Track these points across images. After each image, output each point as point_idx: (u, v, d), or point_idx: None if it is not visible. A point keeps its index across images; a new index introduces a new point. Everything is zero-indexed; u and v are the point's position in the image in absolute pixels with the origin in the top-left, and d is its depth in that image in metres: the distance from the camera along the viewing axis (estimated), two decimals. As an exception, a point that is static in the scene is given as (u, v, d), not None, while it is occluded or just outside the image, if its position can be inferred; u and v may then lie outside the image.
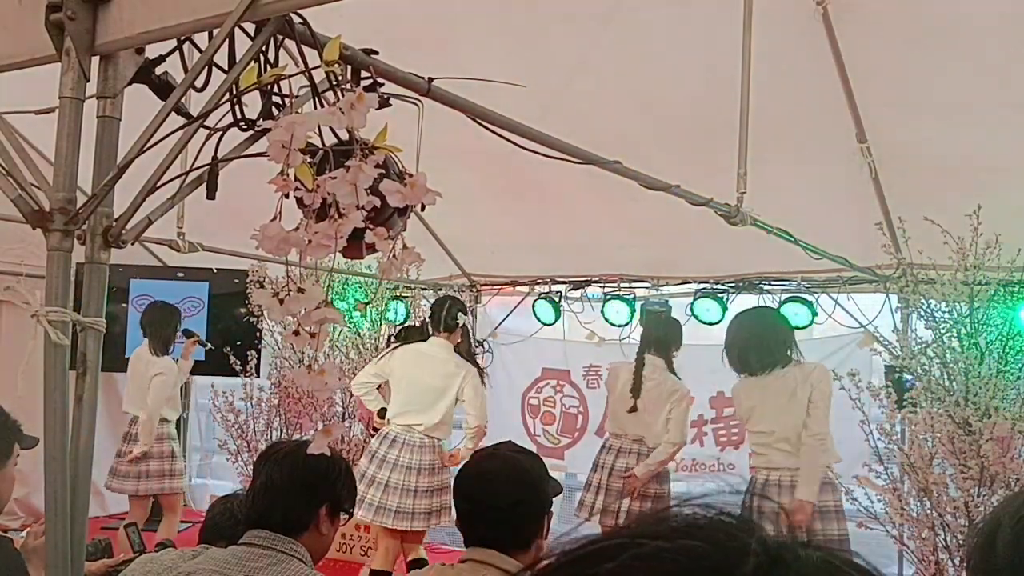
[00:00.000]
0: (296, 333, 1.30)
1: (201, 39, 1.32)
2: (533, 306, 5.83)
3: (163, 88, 1.36)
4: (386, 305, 5.77)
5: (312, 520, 1.83)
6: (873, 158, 3.81)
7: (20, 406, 2.28)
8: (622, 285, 5.53)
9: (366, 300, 5.48)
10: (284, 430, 5.40)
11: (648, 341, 4.63)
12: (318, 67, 1.32)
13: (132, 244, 1.33)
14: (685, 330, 4.82)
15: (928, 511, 3.88)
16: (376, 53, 1.45)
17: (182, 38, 1.35)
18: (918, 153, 3.83)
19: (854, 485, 4.17)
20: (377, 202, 1.29)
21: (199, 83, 1.32)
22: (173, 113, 1.30)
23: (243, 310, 5.43)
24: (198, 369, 5.51)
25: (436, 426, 4.34)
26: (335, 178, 1.24)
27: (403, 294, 5.97)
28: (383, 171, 1.31)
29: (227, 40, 1.26)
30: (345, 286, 5.50)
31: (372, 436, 4.61)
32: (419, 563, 4.18)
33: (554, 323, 5.81)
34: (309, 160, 1.27)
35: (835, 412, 3.91)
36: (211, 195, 1.40)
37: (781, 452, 3.87)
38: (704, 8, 3.23)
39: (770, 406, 3.90)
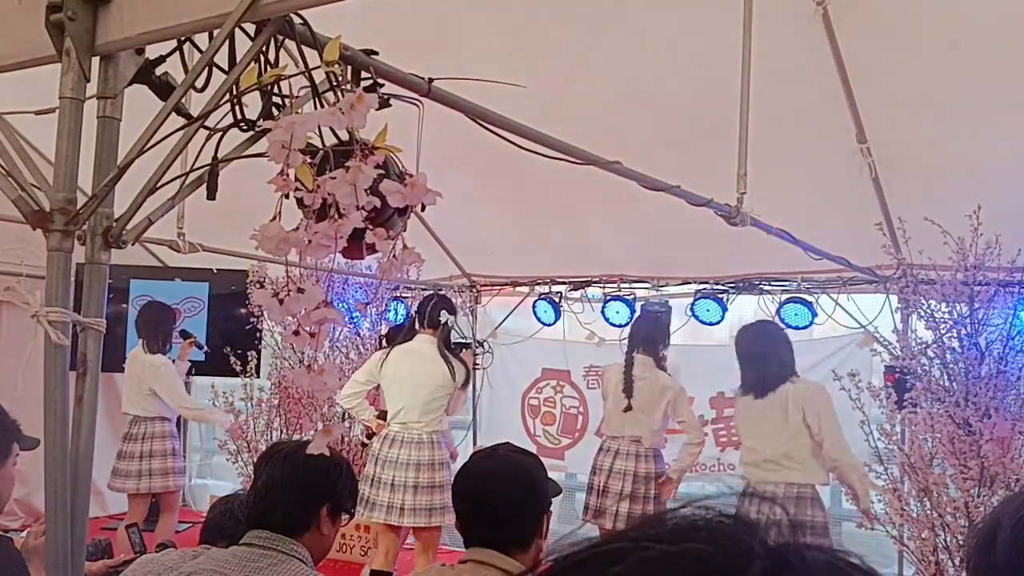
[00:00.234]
0: (296, 333, 1.30)
1: (201, 39, 1.32)
2: (533, 306, 5.83)
3: (163, 88, 1.36)
4: (386, 305, 5.77)
5: (313, 521, 1.83)
6: (873, 158, 3.81)
7: (20, 406, 2.28)
8: (622, 285, 5.53)
9: (366, 300, 5.48)
10: (284, 430, 5.40)
11: (635, 340, 4.66)
12: (318, 67, 1.32)
13: (132, 244, 1.33)
14: (685, 330, 4.83)
15: (928, 511, 3.88)
16: (376, 53, 1.45)
17: (182, 38, 1.35)
18: (918, 153, 3.83)
19: (854, 485, 4.17)
20: (377, 202, 1.29)
21: (199, 83, 1.32)
22: (173, 113, 1.30)
23: (243, 310, 5.43)
24: (198, 369, 5.52)
25: (433, 420, 4.34)
26: (335, 178, 1.24)
27: (403, 294, 5.97)
28: (383, 171, 1.31)
29: (227, 40, 1.26)
30: (345, 286, 5.50)
31: (370, 439, 4.61)
32: None
33: (554, 323, 5.82)
34: (309, 160, 1.27)
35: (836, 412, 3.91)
36: (211, 195, 1.40)
37: (765, 471, 3.88)
38: (704, 8, 3.23)
39: (763, 426, 3.92)
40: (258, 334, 5.54)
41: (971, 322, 3.81)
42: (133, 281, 5.75)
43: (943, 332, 3.89)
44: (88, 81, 1.29)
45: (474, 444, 6.26)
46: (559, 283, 5.79)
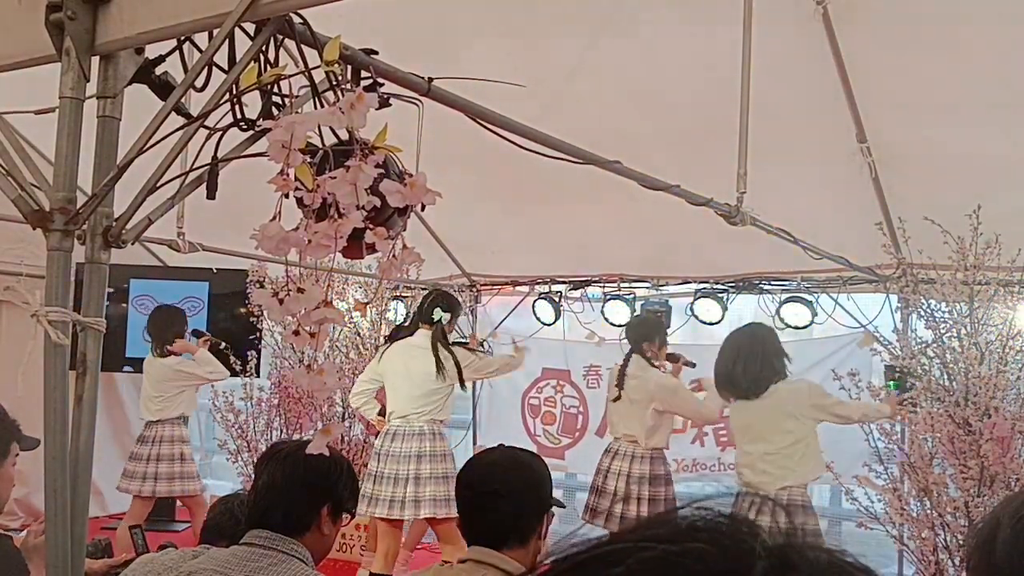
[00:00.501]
0: (296, 333, 1.30)
1: (201, 39, 1.32)
2: (533, 306, 5.83)
3: (163, 88, 1.36)
4: (386, 305, 5.77)
5: (313, 520, 1.83)
6: (873, 158, 3.82)
7: (20, 406, 2.28)
8: (622, 285, 5.53)
9: (366, 300, 5.48)
10: (284, 430, 5.40)
11: (629, 340, 4.68)
12: (318, 67, 1.32)
13: (132, 244, 1.33)
14: (685, 330, 4.83)
15: (928, 511, 3.88)
16: (376, 53, 1.45)
17: (182, 38, 1.35)
18: (918, 153, 3.83)
19: (854, 485, 4.17)
20: (377, 202, 1.29)
21: (199, 83, 1.32)
22: (173, 113, 1.30)
23: (243, 310, 5.43)
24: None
25: (434, 410, 4.32)
26: (335, 178, 1.24)
27: (403, 294, 5.97)
28: (383, 171, 1.31)
29: (227, 40, 1.26)
30: (345, 286, 5.50)
31: (374, 437, 4.61)
32: None
33: (554, 323, 5.82)
34: (309, 160, 1.27)
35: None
36: (211, 195, 1.40)
37: (757, 474, 3.85)
38: (704, 8, 3.23)
39: (755, 428, 3.90)
40: (258, 334, 5.54)
41: (971, 322, 3.81)
42: (133, 281, 5.75)
43: (943, 332, 3.89)
44: (88, 81, 1.29)
45: (474, 444, 6.26)
46: (559, 283, 5.79)
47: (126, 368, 5.73)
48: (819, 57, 3.38)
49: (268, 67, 1.33)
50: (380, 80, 1.44)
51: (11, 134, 1.38)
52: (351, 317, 5.41)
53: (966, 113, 3.53)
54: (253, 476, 1.95)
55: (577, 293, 5.76)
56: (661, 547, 0.42)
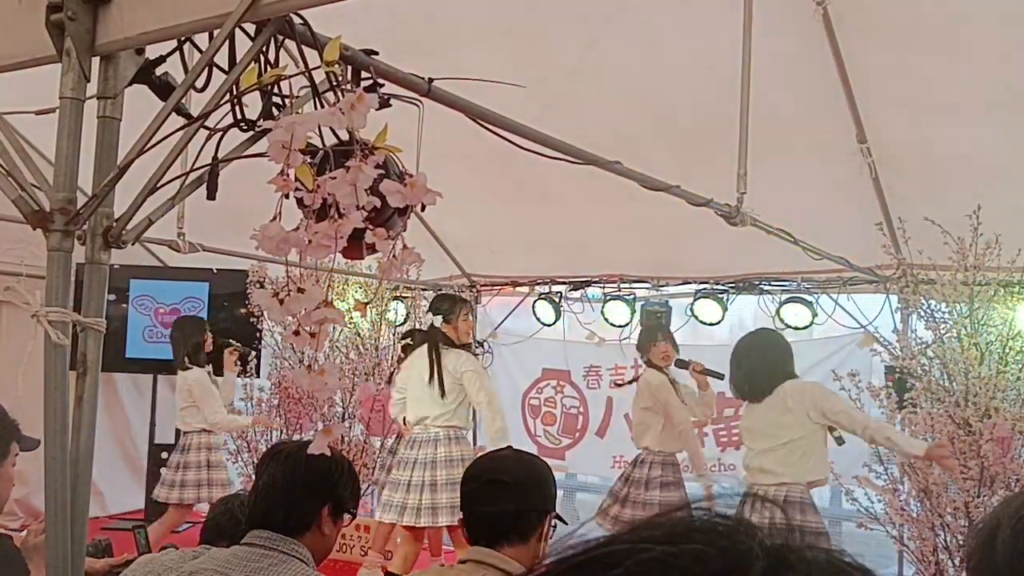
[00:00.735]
0: (296, 333, 1.30)
1: (201, 39, 1.32)
2: (533, 306, 5.83)
3: (163, 88, 1.36)
4: (386, 305, 5.77)
5: (314, 521, 1.83)
6: (873, 158, 3.81)
7: (20, 406, 2.28)
8: (622, 285, 5.53)
9: (366, 300, 5.48)
10: (284, 430, 5.40)
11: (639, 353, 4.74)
12: (318, 67, 1.32)
13: (132, 244, 1.33)
14: (685, 330, 4.83)
15: (928, 511, 3.88)
16: (376, 53, 1.45)
17: (182, 38, 1.35)
18: (918, 153, 3.83)
19: (854, 485, 4.17)
20: (377, 202, 1.29)
21: (199, 84, 1.32)
22: (173, 113, 1.30)
23: (243, 310, 5.43)
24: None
25: (448, 416, 4.31)
26: (335, 178, 1.24)
27: (403, 294, 5.96)
28: (383, 171, 1.31)
29: (227, 40, 1.26)
30: (345, 286, 5.49)
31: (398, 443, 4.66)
32: None
33: (554, 323, 5.82)
34: (309, 160, 1.27)
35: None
36: (211, 195, 1.40)
37: (760, 474, 3.84)
38: (704, 8, 3.23)
39: (760, 428, 3.90)
40: (258, 334, 5.54)
41: (971, 322, 3.81)
42: (133, 281, 5.75)
43: (943, 332, 3.89)
44: (88, 81, 1.29)
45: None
46: (559, 283, 5.79)
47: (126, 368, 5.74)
48: (819, 57, 3.38)
49: (268, 68, 1.33)
50: (380, 80, 1.44)
51: (11, 134, 1.39)
52: (351, 317, 5.40)
53: (966, 113, 3.53)
54: (254, 476, 1.95)
55: (577, 293, 5.76)
56: (659, 548, 0.42)
